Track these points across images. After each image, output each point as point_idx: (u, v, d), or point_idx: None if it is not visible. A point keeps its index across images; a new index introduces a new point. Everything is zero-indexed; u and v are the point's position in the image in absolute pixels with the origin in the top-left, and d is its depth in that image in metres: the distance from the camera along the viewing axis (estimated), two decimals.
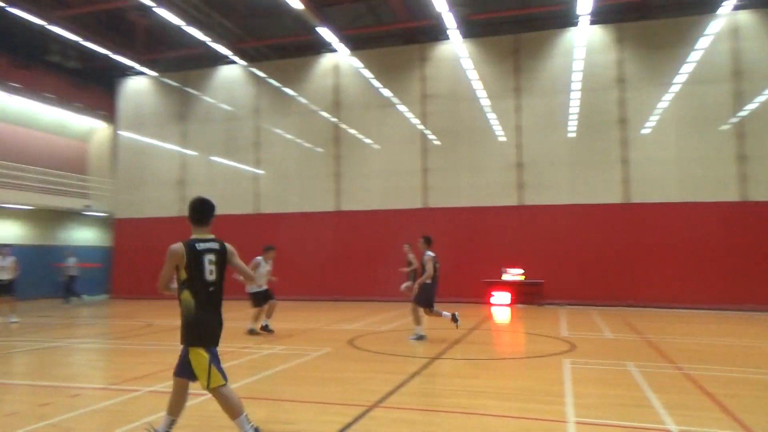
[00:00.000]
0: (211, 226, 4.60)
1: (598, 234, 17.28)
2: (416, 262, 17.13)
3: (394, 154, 19.34)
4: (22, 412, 5.72)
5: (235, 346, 9.54)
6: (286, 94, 20.68)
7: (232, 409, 4.31)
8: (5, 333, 12.24)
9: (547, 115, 18.13)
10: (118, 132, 22.98)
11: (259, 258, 10.96)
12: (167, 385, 6.65)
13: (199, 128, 21.72)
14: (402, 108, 19.39)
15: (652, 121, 17.20)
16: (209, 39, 18.72)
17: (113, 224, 22.89)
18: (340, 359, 8.41)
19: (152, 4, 16.19)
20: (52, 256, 22.34)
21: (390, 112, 19.49)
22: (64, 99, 22.90)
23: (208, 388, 4.31)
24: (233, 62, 21.26)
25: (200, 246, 4.39)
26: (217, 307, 4.46)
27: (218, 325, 4.46)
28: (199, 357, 4.29)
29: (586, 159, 17.61)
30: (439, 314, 10.16)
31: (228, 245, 4.58)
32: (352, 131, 19.85)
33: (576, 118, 17.84)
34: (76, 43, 19.19)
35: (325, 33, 17.99)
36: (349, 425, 5.04)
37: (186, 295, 4.33)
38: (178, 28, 18.35)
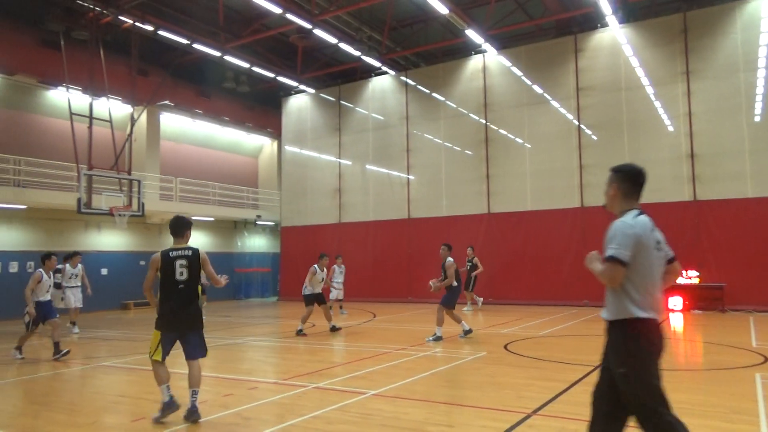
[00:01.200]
0: (188, 237, 5.86)
1: None
2: (481, 265, 16.80)
3: (547, 152, 18.57)
4: (210, 401, 6.44)
5: (393, 348, 9.82)
6: (435, 99, 20.92)
7: (157, 378, 5.64)
8: None
9: (725, 99, 16.15)
10: (283, 147, 24.97)
11: (314, 266, 12.20)
12: (332, 381, 7.07)
13: (353, 138, 22.82)
14: (555, 104, 18.58)
15: None
16: (361, 53, 19.61)
17: (280, 232, 24.89)
18: (496, 364, 8.26)
19: (310, 26, 17.38)
20: (232, 262, 24.92)
21: (542, 108, 18.78)
22: (237, 121, 25.51)
23: (150, 356, 5.69)
24: (384, 73, 22.04)
25: (173, 254, 5.67)
26: (186, 301, 5.68)
27: (183, 316, 5.67)
28: (155, 336, 5.67)
29: None
30: (459, 320, 10.86)
31: (201, 252, 5.80)
32: (503, 131, 19.46)
33: (762, 100, 15.67)
34: (247, 69, 21.27)
35: (473, 35, 17.89)
36: None
37: (160, 291, 5.65)
38: (333, 45, 19.48)
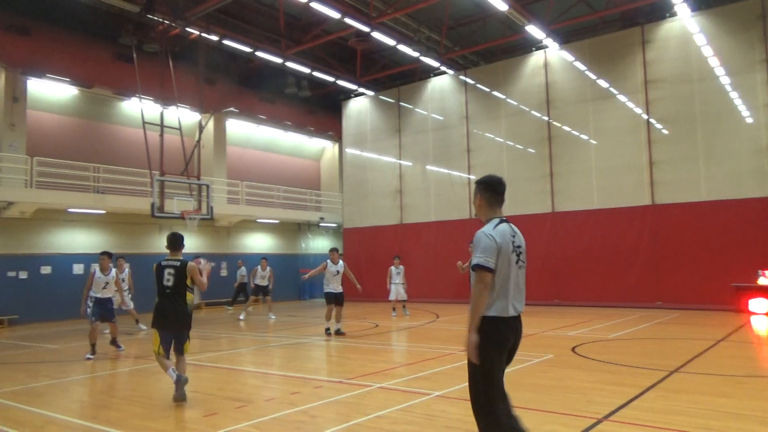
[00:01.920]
0: (181, 250, 6.90)
1: None
2: None
3: (614, 149, 17.91)
4: (278, 398, 6.60)
5: (456, 349, 9.74)
6: (496, 97, 20.62)
7: (163, 366, 6.69)
8: (262, 328, 14.30)
9: None
10: (344, 149, 25.29)
11: (327, 261, 12.42)
12: (395, 382, 7.09)
13: (413, 139, 22.83)
14: (621, 98, 17.90)
15: None
16: (420, 53, 19.60)
17: (343, 233, 25.20)
18: (564, 367, 8.03)
19: (368, 29, 17.53)
20: (296, 264, 25.47)
21: (607, 103, 18.14)
22: (299, 125, 26.06)
23: (155, 353, 6.77)
24: (443, 73, 21.93)
25: (164, 263, 6.77)
26: (173, 303, 6.64)
27: (170, 316, 6.62)
28: (155, 334, 6.74)
29: None
30: None
31: (189, 264, 6.74)
32: (566, 128, 18.93)
33: None
34: (308, 74, 21.70)
35: (533, 30, 17.52)
36: None
37: (157, 294, 6.73)
38: (392, 47, 19.57)
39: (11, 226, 17.36)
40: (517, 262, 3.80)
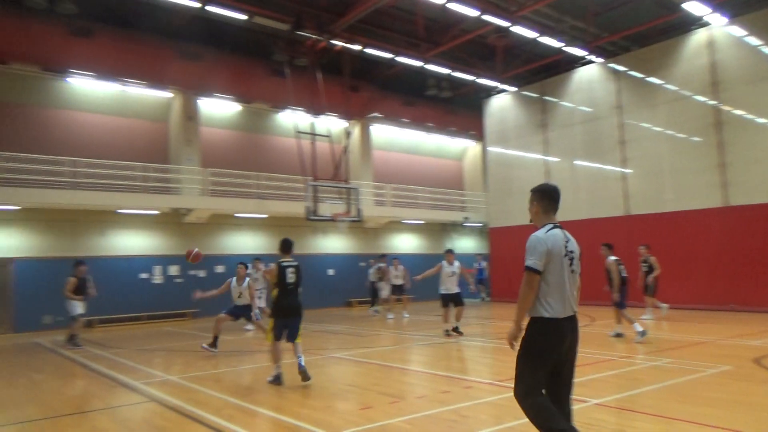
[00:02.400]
0: (293, 252, 8.07)
1: None
2: (657, 266, 14.29)
3: None
4: (429, 396, 6.72)
5: (616, 355, 9.17)
6: (651, 83, 19.01)
7: (272, 358, 7.71)
8: (399, 326, 14.61)
9: None
10: (487, 148, 24.96)
11: (442, 262, 12.37)
12: None
13: (559, 134, 21.86)
14: None
15: None
16: (564, 44, 18.73)
17: (488, 233, 24.88)
18: (744, 380, 7.17)
19: (508, 24, 17.13)
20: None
21: None
22: (441, 126, 26.23)
23: (268, 339, 7.81)
24: (590, 62, 20.73)
25: (284, 264, 7.80)
26: (294, 297, 7.75)
27: (292, 308, 7.70)
28: (271, 323, 7.68)
29: None
30: (631, 321, 10.80)
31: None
32: (738, 112, 16.88)
33: None
34: (447, 75, 21.76)
35: (694, 6, 15.89)
36: None
37: (278, 291, 7.71)
38: (533, 40, 18.93)
39: (190, 231, 19.63)
40: (570, 267, 4.01)
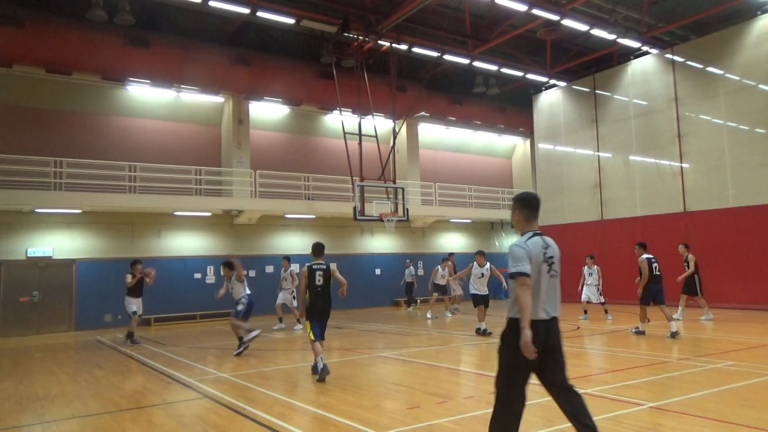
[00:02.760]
0: (322, 257, 8.38)
1: None
2: (692, 265, 13.77)
3: None
4: (476, 396, 6.63)
5: (672, 357, 8.81)
6: (711, 73, 18.18)
7: (315, 351, 8.03)
8: (441, 325, 14.48)
9: None
10: (536, 145, 24.48)
11: (473, 263, 12.67)
12: (601, 389, 6.66)
13: (612, 129, 21.19)
14: None
15: None
16: (617, 36, 18.14)
17: None
18: None
19: (558, 17, 16.74)
20: (491, 262, 25.27)
21: None
22: (489, 123, 25.89)
23: (309, 338, 8.17)
24: (645, 53, 20.01)
25: (314, 267, 8.19)
26: (324, 298, 8.17)
27: (323, 308, 8.18)
28: (308, 325, 8.18)
29: None
30: (644, 318, 11.53)
31: (331, 265, 8.31)
32: None
33: None
34: (495, 71, 21.47)
35: None
36: None
37: (309, 293, 8.12)
38: (585, 33, 18.43)
39: (242, 232, 20.11)
40: (549, 272, 4.16)
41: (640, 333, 11.48)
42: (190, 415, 6.41)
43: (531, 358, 3.86)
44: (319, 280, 8.15)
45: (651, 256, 11.55)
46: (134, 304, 13.02)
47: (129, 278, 12.97)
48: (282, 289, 15.39)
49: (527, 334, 3.86)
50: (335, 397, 6.89)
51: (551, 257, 4.24)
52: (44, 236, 17.00)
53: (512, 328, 4.04)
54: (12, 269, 16.46)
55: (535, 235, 4.28)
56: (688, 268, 13.96)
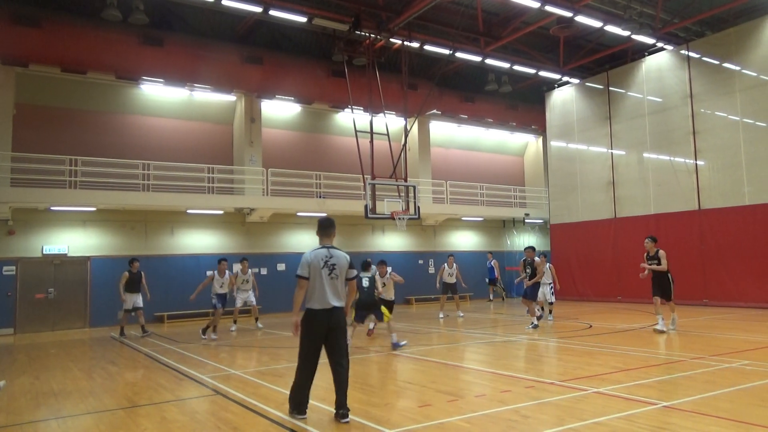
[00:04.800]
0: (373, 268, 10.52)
1: None
2: (664, 261, 12.50)
3: None
4: (488, 395, 6.61)
5: (687, 356, 8.73)
6: (727, 69, 17.94)
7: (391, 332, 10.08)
8: (452, 324, 14.44)
9: None
10: (549, 142, 24.32)
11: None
12: (614, 388, 6.61)
13: (626, 126, 21.00)
14: None
15: None
16: (631, 32, 17.95)
17: (549, 229, 24.25)
18: None
19: (571, 14, 16.60)
20: (502, 261, 25.24)
21: None
22: (501, 121, 25.75)
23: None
24: (660, 50, 19.80)
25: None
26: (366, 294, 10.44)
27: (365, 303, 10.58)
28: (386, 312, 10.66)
29: None
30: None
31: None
32: None
33: None
34: (508, 69, 21.35)
35: None
36: None
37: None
38: (598, 30, 18.26)
39: (253, 230, 20.20)
40: (329, 275, 5.72)
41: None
42: (202, 411, 6.46)
43: (294, 335, 5.74)
44: (364, 282, 10.23)
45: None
46: (128, 300, 13.73)
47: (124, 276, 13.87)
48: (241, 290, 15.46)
49: (294, 320, 5.71)
50: (354, 396, 6.89)
51: (333, 264, 5.75)
52: (59, 234, 17.20)
53: (305, 314, 5.75)
54: (28, 267, 16.67)
55: (323, 248, 5.85)
56: (659, 265, 11.80)
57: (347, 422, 5.48)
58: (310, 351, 5.72)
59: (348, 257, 5.89)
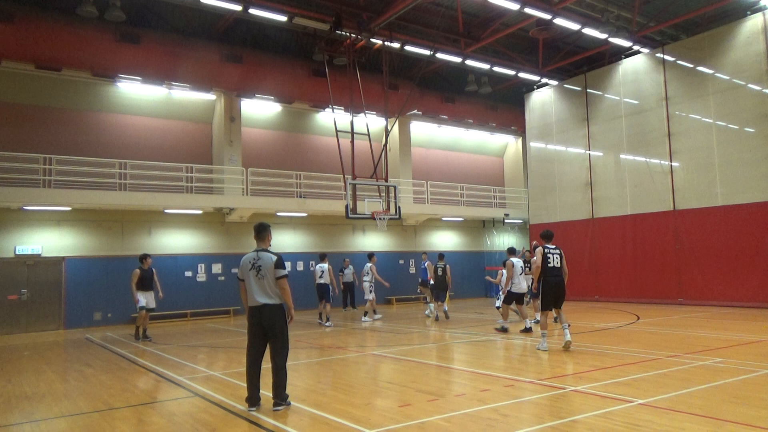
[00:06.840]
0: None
1: None
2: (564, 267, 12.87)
3: None
4: (468, 394, 6.65)
5: (661, 354, 8.88)
6: (701, 73, 18.31)
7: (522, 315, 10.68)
8: (441, 324, 14.50)
9: None
10: (528, 143, 24.55)
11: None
12: (592, 386, 6.70)
13: (603, 128, 21.30)
14: None
15: None
16: (609, 35, 18.22)
17: (529, 230, 24.48)
18: None
19: (550, 16, 16.78)
20: (481, 261, 25.40)
21: None
22: (481, 122, 25.92)
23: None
24: (636, 52, 20.12)
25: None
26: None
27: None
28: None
29: None
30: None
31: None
32: None
33: None
34: (488, 70, 21.50)
35: None
36: None
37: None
38: (577, 32, 18.48)
39: (233, 230, 20.04)
40: (257, 275, 6.18)
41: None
42: (180, 413, 6.38)
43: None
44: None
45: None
46: (142, 298, 12.89)
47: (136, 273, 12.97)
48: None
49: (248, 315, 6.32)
50: (327, 395, 6.88)
51: (260, 266, 6.18)
52: (33, 234, 16.86)
53: (247, 313, 6.33)
54: (0, 267, 16.31)
55: (253, 251, 6.30)
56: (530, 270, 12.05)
57: (278, 411, 6.05)
58: (249, 343, 6.29)
59: (274, 258, 6.18)
